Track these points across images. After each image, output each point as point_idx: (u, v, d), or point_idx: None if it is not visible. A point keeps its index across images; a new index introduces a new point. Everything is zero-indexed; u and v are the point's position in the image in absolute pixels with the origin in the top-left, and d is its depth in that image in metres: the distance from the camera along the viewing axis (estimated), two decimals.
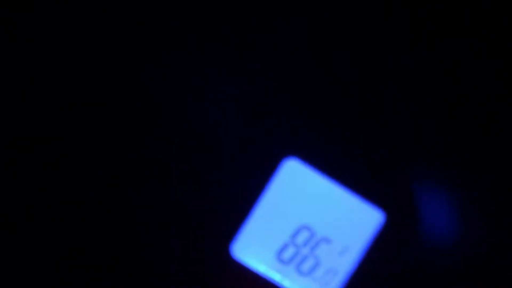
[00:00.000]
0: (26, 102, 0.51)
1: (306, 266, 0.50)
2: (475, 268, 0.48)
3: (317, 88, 0.51)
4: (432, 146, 0.49)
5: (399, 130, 0.50)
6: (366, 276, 0.49)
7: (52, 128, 0.51)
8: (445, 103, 0.49)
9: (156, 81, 0.51)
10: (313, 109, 0.52)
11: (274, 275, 0.50)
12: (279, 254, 0.51)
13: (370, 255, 0.49)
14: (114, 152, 0.51)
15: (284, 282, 0.50)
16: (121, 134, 0.51)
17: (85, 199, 0.50)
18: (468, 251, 0.48)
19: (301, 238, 0.51)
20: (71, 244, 0.51)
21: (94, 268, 0.51)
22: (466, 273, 0.48)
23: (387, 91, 0.50)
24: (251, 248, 0.51)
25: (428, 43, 0.49)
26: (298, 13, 0.51)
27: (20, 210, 0.51)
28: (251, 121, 0.52)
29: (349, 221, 0.50)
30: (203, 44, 0.51)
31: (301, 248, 0.50)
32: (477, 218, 0.48)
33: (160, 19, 0.50)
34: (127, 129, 0.51)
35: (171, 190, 0.51)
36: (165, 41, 0.51)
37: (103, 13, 0.50)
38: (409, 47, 0.49)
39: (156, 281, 0.51)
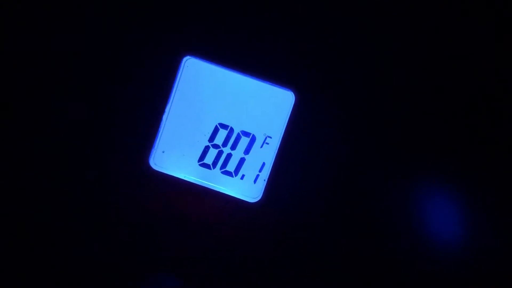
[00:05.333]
0: None
1: (232, 165, 0.48)
2: (477, 269, 0.48)
3: None
4: (433, 146, 0.48)
5: (401, 132, 0.48)
6: (288, 160, 0.47)
7: None
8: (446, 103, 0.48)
9: None
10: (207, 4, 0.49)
11: (200, 181, 0.48)
12: (201, 159, 0.48)
13: (287, 139, 0.47)
14: None
15: (214, 186, 0.48)
16: None
17: None
18: (470, 253, 0.48)
19: (220, 138, 0.48)
20: None
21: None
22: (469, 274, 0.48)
23: None
24: (171, 158, 0.48)
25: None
26: None
27: None
28: (147, 25, 0.49)
29: (263, 110, 0.48)
30: None
31: (222, 148, 0.48)
32: (481, 220, 0.48)
33: None
34: None
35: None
36: None
37: None
38: None
39: (86, 202, 0.49)
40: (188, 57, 0.48)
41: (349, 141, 0.46)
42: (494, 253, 0.47)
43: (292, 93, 0.47)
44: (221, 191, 0.47)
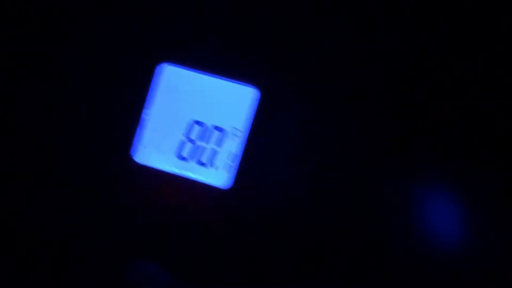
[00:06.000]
0: None
1: (206, 157, 0.54)
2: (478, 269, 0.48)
3: None
4: (435, 147, 0.49)
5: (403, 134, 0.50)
6: (255, 151, 0.53)
7: None
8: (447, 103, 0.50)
9: None
10: (180, 16, 0.55)
11: (179, 172, 0.54)
12: (178, 152, 0.54)
13: (254, 131, 0.53)
14: None
15: (191, 175, 0.54)
16: None
17: None
18: (471, 252, 0.48)
19: (195, 133, 0.54)
20: None
21: None
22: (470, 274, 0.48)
23: None
24: (151, 151, 0.54)
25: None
26: None
27: None
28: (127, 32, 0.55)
29: (231, 106, 0.53)
30: None
31: (197, 142, 0.54)
32: (481, 220, 0.48)
33: None
34: None
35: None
36: None
37: None
38: None
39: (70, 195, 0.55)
40: (163, 64, 0.55)
41: (312, 133, 0.52)
42: (494, 253, 0.47)
43: (257, 89, 0.53)
44: (197, 179, 0.53)
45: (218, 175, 0.53)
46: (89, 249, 0.54)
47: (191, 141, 0.54)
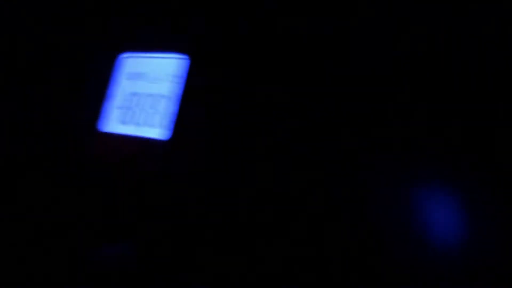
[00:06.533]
0: None
1: (145, 119, 0.66)
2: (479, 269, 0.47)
3: None
4: (434, 147, 0.49)
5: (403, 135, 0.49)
6: (188, 110, 0.64)
7: None
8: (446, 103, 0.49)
9: None
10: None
11: (130, 132, 0.66)
12: (123, 118, 0.67)
13: (185, 96, 0.64)
14: None
15: (136, 134, 0.66)
16: None
17: None
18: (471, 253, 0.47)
19: (134, 102, 0.67)
20: None
21: None
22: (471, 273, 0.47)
23: None
24: (108, 121, 0.67)
25: None
26: None
27: None
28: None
29: (164, 75, 0.66)
30: None
31: (136, 108, 0.67)
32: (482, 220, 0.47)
33: None
34: None
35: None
36: None
37: None
38: None
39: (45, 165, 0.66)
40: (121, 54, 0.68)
41: (239, 96, 0.60)
42: (494, 253, 0.47)
43: (188, 57, 0.65)
44: (142, 135, 0.65)
45: (160, 130, 0.65)
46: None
47: (131, 108, 0.66)
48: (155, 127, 0.65)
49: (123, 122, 0.65)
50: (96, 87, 0.67)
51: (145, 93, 0.65)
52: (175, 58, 0.65)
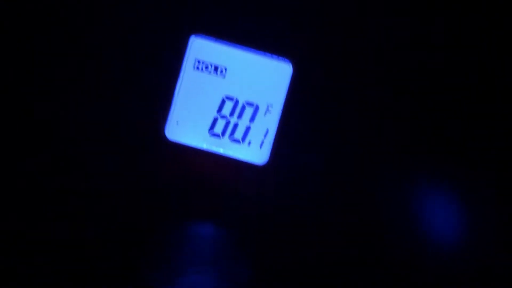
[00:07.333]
0: None
1: (239, 133, 0.54)
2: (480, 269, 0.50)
3: None
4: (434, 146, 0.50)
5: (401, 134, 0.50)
6: (289, 126, 0.54)
7: None
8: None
9: None
10: None
11: (212, 149, 0.53)
12: (211, 129, 0.53)
13: (288, 107, 0.54)
14: None
15: (224, 152, 0.54)
16: None
17: None
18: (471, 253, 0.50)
19: (227, 109, 0.54)
20: None
21: None
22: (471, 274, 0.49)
23: None
24: (184, 129, 0.53)
25: None
26: None
27: None
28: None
29: (264, 81, 0.53)
30: None
31: (229, 118, 0.54)
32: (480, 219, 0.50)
33: None
34: None
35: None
36: None
37: None
38: None
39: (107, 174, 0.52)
40: (194, 36, 0.52)
41: (345, 108, 0.54)
42: (495, 253, 0.50)
43: (290, 63, 0.53)
44: (231, 156, 0.54)
45: (252, 151, 0.54)
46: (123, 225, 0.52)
47: (224, 117, 0.53)
48: (245, 145, 0.54)
49: (200, 133, 0.53)
50: (167, 79, 0.52)
51: (231, 99, 0.53)
52: (280, 62, 0.53)
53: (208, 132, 0.53)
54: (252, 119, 0.53)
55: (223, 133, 0.53)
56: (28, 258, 0.44)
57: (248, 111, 0.53)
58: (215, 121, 0.53)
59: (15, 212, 0.48)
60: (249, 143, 0.53)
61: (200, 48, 0.52)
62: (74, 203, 0.50)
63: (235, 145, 0.53)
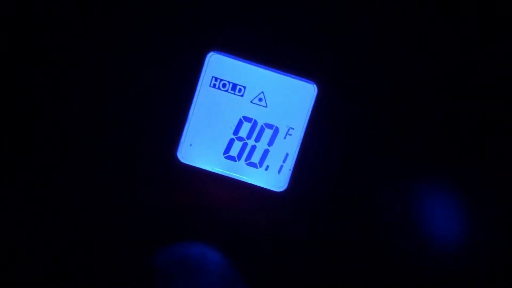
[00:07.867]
0: None
1: (256, 156, 0.50)
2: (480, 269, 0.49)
3: None
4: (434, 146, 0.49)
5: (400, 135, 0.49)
6: (311, 151, 0.50)
7: None
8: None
9: None
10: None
11: (227, 173, 0.49)
12: (226, 152, 0.49)
13: (310, 130, 0.50)
14: None
15: (239, 177, 0.50)
16: None
17: None
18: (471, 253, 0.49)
19: (244, 130, 0.50)
20: None
21: None
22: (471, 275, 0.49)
23: None
24: (198, 151, 0.49)
25: None
26: None
27: None
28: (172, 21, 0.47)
29: (285, 101, 0.50)
30: None
31: (246, 141, 0.50)
32: (481, 220, 0.49)
33: None
34: None
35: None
36: None
37: None
38: None
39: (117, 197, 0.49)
40: (212, 52, 0.48)
41: (370, 132, 0.50)
42: (495, 253, 0.49)
43: (314, 85, 0.50)
44: (247, 181, 0.50)
45: (270, 176, 0.50)
46: (134, 247, 0.49)
47: (240, 139, 0.50)
48: (262, 169, 0.50)
49: (215, 155, 0.49)
50: (182, 98, 0.48)
51: (249, 120, 0.49)
52: (303, 82, 0.49)
53: (223, 155, 0.49)
54: (271, 142, 0.50)
55: (239, 156, 0.49)
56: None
57: (267, 134, 0.49)
58: (231, 143, 0.49)
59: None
60: (267, 168, 0.50)
61: (218, 64, 0.48)
62: (83, 222, 0.49)
63: (252, 170, 0.49)
